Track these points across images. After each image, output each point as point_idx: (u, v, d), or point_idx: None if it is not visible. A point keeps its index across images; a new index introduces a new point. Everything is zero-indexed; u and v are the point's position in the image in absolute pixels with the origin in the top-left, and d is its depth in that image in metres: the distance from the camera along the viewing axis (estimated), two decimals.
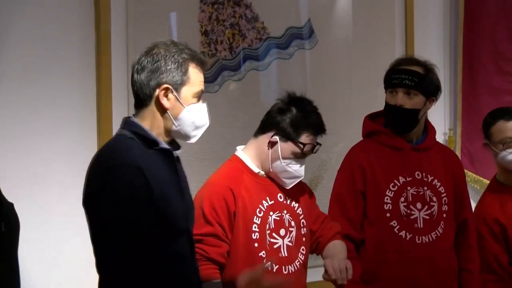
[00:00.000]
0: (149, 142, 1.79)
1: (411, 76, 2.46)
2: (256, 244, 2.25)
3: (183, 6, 2.97)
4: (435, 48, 3.70)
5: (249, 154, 2.32)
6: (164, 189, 1.77)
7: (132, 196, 1.70)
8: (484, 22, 3.68)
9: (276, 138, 2.23)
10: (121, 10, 2.77)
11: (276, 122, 2.25)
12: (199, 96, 1.85)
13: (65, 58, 2.67)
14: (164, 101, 1.79)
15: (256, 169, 2.30)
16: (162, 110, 1.80)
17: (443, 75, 3.63)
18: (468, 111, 3.68)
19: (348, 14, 3.44)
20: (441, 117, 3.66)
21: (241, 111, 3.06)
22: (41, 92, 2.62)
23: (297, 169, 2.27)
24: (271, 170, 2.27)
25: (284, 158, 2.24)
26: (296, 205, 2.37)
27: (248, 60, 3.12)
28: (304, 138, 2.23)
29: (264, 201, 2.29)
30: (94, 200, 1.73)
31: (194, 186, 2.16)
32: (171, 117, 1.81)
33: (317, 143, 2.28)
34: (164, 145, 1.82)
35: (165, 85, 1.79)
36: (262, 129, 2.29)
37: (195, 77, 1.83)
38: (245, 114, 3.04)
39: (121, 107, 2.71)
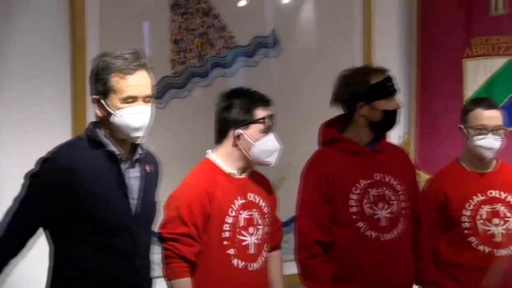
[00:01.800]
0: (96, 143, 1.94)
1: (394, 82, 2.59)
2: (225, 242, 2.30)
3: (154, 16, 3.00)
4: (392, 58, 3.73)
5: (220, 156, 2.38)
6: (98, 188, 1.91)
7: (40, 188, 1.89)
8: (437, 33, 3.73)
9: (239, 131, 2.32)
10: (96, 19, 2.78)
11: (231, 120, 2.33)
12: (133, 101, 1.95)
13: (41, 67, 2.66)
14: (97, 110, 1.96)
15: (228, 169, 2.36)
16: (101, 117, 1.95)
17: (399, 83, 3.64)
18: (422, 116, 3.73)
19: (311, 25, 3.48)
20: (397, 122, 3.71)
21: (209, 116, 3.08)
22: (16, 98, 2.60)
23: (273, 143, 2.36)
24: (251, 158, 2.34)
25: (256, 140, 2.32)
26: (264, 204, 2.41)
27: (216, 68, 3.16)
28: (260, 113, 2.32)
29: (236, 200, 2.33)
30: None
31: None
32: (109, 123, 1.95)
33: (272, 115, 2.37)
34: (111, 148, 1.95)
35: (94, 97, 1.97)
36: (221, 135, 2.38)
37: (118, 85, 1.94)
38: (213, 119, 3.06)
39: None
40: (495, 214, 2.75)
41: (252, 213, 2.36)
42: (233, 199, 2.33)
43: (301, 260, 2.53)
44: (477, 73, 3.62)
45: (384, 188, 2.56)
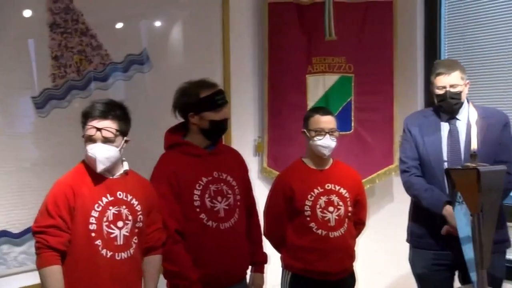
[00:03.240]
0: None
1: (223, 96, 2.72)
2: (93, 234, 2.35)
3: (36, 34, 3.03)
4: (247, 72, 3.93)
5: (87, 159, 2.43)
6: None
7: None
8: (285, 53, 3.92)
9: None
10: None
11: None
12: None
13: None
14: None
15: (97, 170, 2.39)
16: None
17: (254, 94, 3.94)
18: (272, 122, 3.93)
19: (179, 45, 3.61)
20: (251, 128, 3.93)
21: None
22: None
23: (93, 152, 2.35)
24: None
25: (86, 145, 2.38)
26: (136, 202, 2.46)
27: (94, 81, 3.22)
28: (90, 122, 2.35)
29: (103, 197, 2.38)
30: None
31: None
32: None
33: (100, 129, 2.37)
34: None
35: None
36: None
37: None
38: None
39: None
40: (330, 203, 2.97)
41: (120, 208, 2.40)
42: (101, 196, 2.37)
43: (165, 249, 2.58)
44: (317, 87, 3.90)
45: (222, 184, 2.68)
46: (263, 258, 2.92)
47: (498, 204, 2.15)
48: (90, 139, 2.36)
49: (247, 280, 2.87)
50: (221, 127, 2.72)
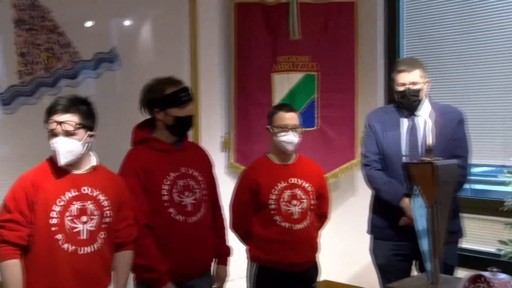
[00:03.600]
0: None
1: (188, 92, 2.72)
2: (53, 228, 2.31)
3: (0, 30, 3.01)
4: (215, 71, 3.97)
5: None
6: None
7: None
8: (251, 52, 3.98)
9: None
10: None
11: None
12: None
13: None
14: None
15: (63, 166, 2.37)
16: None
17: (221, 92, 3.97)
18: (239, 119, 3.97)
19: (149, 43, 3.67)
20: (219, 124, 3.97)
21: None
22: None
23: (56, 145, 2.33)
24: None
25: (49, 140, 2.35)
26: (103, 197, 2.43)
27: (63, 78, 3.22)
28: (52, 117, 2.34)
29: (67, 192, 2.35)
30: None
31: None
32: None
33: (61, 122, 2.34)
34: None
35: None
36: None
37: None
38: None
39: None
40: (294, 197, 3.01)
41: (85, 204, 2.37)
42: (64, 191, 2.34)
43: (137, 242, 2.57)
44: (282, 85, 3.96)
45: (189, 179, 2.70)
46: (227, 251, 2.94)
47: (451, 196, 2.25)
48: (53, 133, 2.35)
49: (212, 272, 2.90)
50: (186, 123, 2.72)
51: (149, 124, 2.76)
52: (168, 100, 2.66)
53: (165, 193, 2.65)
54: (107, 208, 2.44)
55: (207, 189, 2.79)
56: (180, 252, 2.65)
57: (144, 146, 2.71)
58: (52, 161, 2.42)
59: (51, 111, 2.36)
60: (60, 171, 2.39)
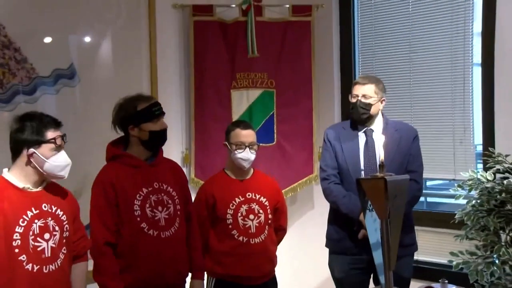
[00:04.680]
0: None
1: (159, 107, 2.73)
2: (17, 250, 2.25)
3: None
4: (174, 87, 3.91)
5: (14, 174, 2.34)
6: None
7: None
8: (210, 68, 3.93)
9: (32, 150, 2.31)
10: None
11: (22, 141, 2.32)
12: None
13: None
14: None
15: (21, 185, 2.33)
16: None
17: (181, 108, 3.93)
18: (199, 135, 3.93)
19: (109, 59, 3.58)
20: (179, 140, 3.91)
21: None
22: None
23: (63, 159, 2.38)
24: (45, 173, 2.35)
25: (48, 157, 2.33)
26: (61, 212, 2.41)
27: (19, 95, 3.12)
28: (50, 134, 2.34)
29: (28, 211, 2.30)
30: None
31: None
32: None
33: (64, 135, 2.40)
34: None
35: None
36: (15, 153, 2.36)
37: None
38: None
39: None
40: (251, 211, 3.03)
41: (46, 221, 2.34)
42: (26, 210, 2.29)
43: (93, 259, 2.62)
44: (241, 101, 3.95)
45: (163, 194, 2.70)
46: (201, 264, 2.92)
47: (403, 209, 2.26)
48: (57, 148, 2.38)
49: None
50: (161, 137, 2.72)
51: (123, 141, 2.76)
52: (141, 115, 2.67)
53: (137, 208, 2.64)
54: (65, 222, 2.43)
55: (181, 203, 2.79)
56: (151, 265, 2.64)
57: (117, 162, 2.71)
58: (5, 180, 2.35)
59: (48, 126, 2.35)
60: (17, 190, 2.33)
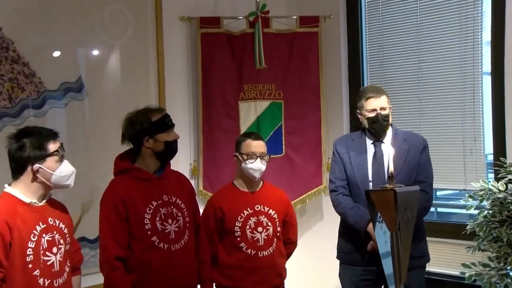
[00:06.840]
0: None
1: (170, 118, 2.73)
2: (30, 265, 2.26)
3: None
4: (181, 99, 3.89)
5: (18, 189, 2.32)
6: None
7: None
8: (218, 80, 3.91)
9: (37, 165, 2.30)
10: None
11: (25, 158, 2.29)
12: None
13: None
14: None
15: (27, 200, 2.32)
16: None
17: (189, 120, 3.90)
18: (207, 147, 3.89)
19: (117, 72, 3.57)
20: (187, 152, 3.87)
21: None
22: None
23: (68, 168, 2.39)
24: (53, 185, 2.36)
25: (53, 170, 2.33)
26: (63, 226, 2.42)
27: (27, 109, 3.13)
28: (52, 146, 2.34)
29: (37, 226, 2.30)
30: None
31: None
32: None
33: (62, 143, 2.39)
34: None
35: None
36: (18, 172, 2.32)
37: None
38: None
39: None
40: (259, 224, 3.01)
41: (53, 235, 2.34)
42: (35, 225, 2.29)
43: (104, 274, 2.58)
44: (249, 112, 3.91)
45: (172, 207, 2.68)
46: (211, 276, 2.90)
47: (413, 221, 2.20)
48: (60, 158, 2.38)
49: None
50: (174, 147, 2.72)
51: (130, 154, 2.74)
52: (156, 126, 2.67)
53: (147, 221, 2.62)
54: (67, 235, 2.44)
55: (189, 215, 2.76)
56: (165, 280, 2.62)
57: (125, 176, 2.68)
58: (10, 195, 2.32)
59: (48, 138, 2.34)
60: (26, 206, 2.31)
